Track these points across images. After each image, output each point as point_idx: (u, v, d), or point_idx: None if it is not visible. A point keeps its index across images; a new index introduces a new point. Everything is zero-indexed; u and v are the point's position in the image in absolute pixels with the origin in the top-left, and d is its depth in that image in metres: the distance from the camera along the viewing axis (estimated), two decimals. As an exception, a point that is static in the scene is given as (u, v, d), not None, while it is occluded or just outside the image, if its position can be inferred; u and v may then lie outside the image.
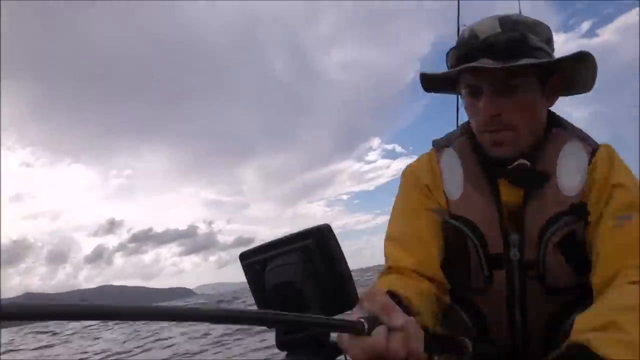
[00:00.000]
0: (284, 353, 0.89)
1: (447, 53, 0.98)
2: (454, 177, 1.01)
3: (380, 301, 0.57)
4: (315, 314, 0.84)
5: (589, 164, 0.94)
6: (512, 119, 0.91)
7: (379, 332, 0.55)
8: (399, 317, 0.57)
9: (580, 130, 0.99)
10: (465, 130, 1.04)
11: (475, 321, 1.01)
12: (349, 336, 0.57)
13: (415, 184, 1.04)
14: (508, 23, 0.91)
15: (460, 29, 4.10)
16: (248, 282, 0.96)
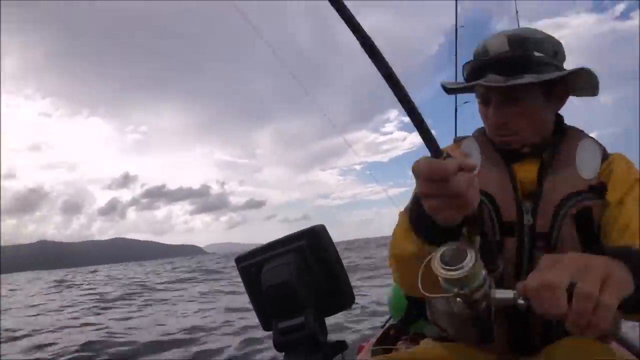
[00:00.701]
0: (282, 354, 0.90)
1: (463, 66, 1.13)
2: (473, 156, 1.12)
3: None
4: (311, 313, 0.85)
5: (602, 160, 1.03)
6: (517, 125, 1.04)
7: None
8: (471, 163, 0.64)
9: (594, 138, 1.11)
10: (484, 130, 1.17)
11: None
12: (424, 158, 0.63)
13: None
14: (516, 41, 1.02)
15: (459, 29, 4.19)
16: (244, 284, 0.96)
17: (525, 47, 1.02)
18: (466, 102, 3.92)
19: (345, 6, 0.54)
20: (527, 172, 1.06)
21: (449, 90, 1.20)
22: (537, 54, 1.01)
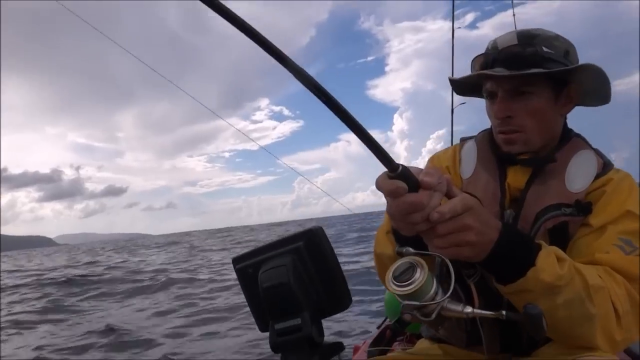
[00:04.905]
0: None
1: (472, 60, 1.13)
2: (469, 161, 1.15)
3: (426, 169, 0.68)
4: (308, 314, 0.85)
5: (597, 175, 1.00)
6: (522, 121, 1.02)
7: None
8: (434, 177, 0.66)
9: (599, 150, 1.08)
10: (488, 131, 1.17)
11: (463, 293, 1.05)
12: (382, 175, 0.65)
13: (437, 166, 1.17)
14: (525, 37, 1.02)
15: (455, 27, 4.22)
16: (241, 285, 0.96)
17: (534, 43, 1.01)
18: (463, 103, 3.92)
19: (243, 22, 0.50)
20: (517, 178, 1.05)
21: (457, 87, 1.22)
22: (546, 49, 1.00)
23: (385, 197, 0.69)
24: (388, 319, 2.55)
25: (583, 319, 0.82)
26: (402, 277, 0.68)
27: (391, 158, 0.62)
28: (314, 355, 0.85)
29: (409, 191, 0.64)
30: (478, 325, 1.02)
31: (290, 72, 0.53)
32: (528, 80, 1.00)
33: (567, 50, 1.03)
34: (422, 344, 1.23)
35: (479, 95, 1.16)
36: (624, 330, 0.85)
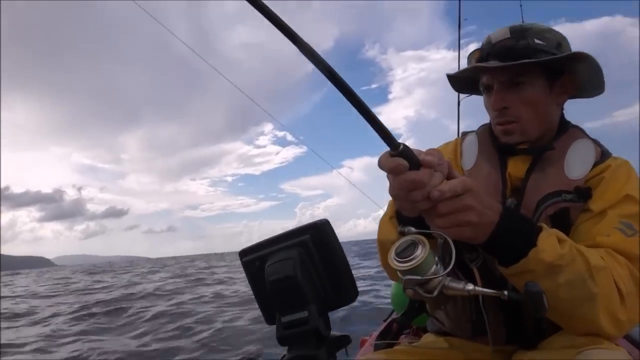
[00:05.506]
0: (285, 348, 0.90)
1: (468, 56, 1.16)
2: (470, 153, 1.17)
3: (429, 151, 0.69)
4: (315, 308, 0.85)
5: (596, 163, 1.01)
6: (518, 112, 1.04)
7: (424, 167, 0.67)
8: (434, 157, 0.68)
9: (597, 140, 1.09)
10: (488, 125, 1.19)
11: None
12: (385, 153, 0.67)
13: None
14: (518, 31, 1.05)
15: (462, 24, 4.24)
16: (248, 278, 0.97)
17: (526, 36, 1.03)
18: (468, 96, 3.93)
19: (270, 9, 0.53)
20: (517, 167, 1.06)
21: (454, 83, 1.24)
22: (538, 41, 1.02)
23: (387, 176, 0.70)
24: (395, 313, 2.56)
25: (585, 299, 0.82)
26: (403, 253, 0.69)
27: (393, 137, 0.63)
28: (321, 348, 0.85)
29: (410, 169, 0.66)
30: (483, 314, 1.02)
31: (302, 52, 0.55)
32: (522, 71, 1.02)
33: (559, 42, 1.05)
34: (428, 338, 1.24)
35: (478, 92, 1.17)
36: (628, 310, 0.85)
